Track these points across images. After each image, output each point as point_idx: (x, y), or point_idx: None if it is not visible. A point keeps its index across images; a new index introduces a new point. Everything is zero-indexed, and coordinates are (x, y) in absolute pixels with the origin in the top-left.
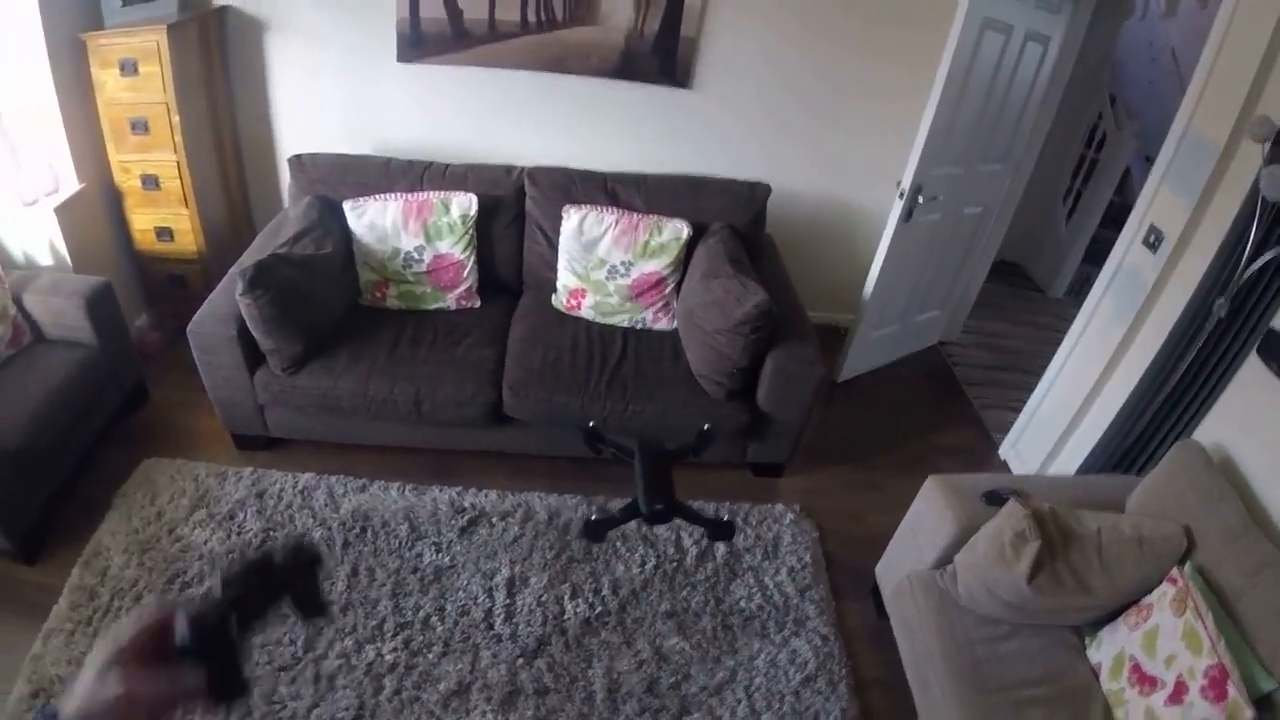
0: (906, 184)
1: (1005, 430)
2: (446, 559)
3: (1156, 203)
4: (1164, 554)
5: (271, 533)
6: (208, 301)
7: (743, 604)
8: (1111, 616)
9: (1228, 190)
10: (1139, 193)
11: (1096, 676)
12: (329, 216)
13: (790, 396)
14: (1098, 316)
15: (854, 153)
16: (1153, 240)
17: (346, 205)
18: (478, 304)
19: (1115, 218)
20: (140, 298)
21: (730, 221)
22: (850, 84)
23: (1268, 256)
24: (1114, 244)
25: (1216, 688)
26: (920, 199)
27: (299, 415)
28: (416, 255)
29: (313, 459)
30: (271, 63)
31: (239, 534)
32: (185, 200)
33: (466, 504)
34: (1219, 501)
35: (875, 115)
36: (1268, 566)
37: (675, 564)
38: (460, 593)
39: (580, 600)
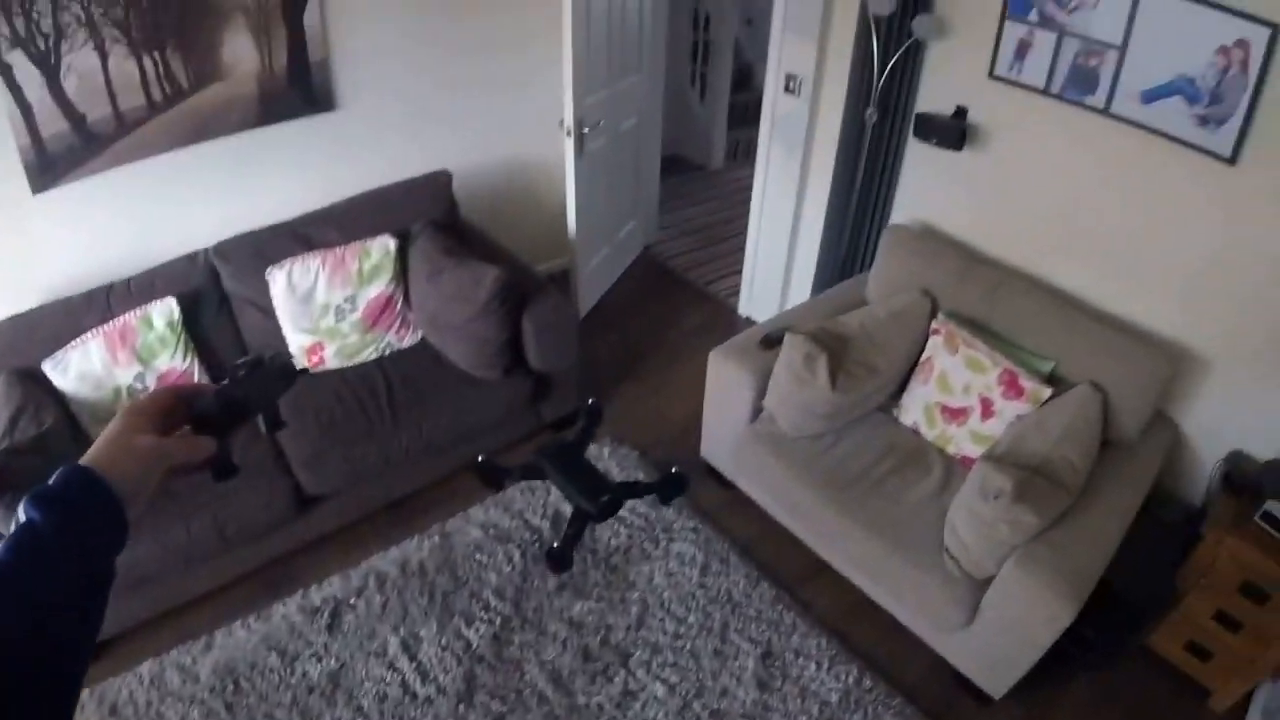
0: (570, 122)
1: (736, 293)
2: (333, 662)
3: (785, 54)
4: (917, 317)
5: None
6: None
7: (613, 542)
8: (904, 385)
9: (841, 21)
10: (749, 52)
11: (918, 433)
12: (34, 387)
13: (558, 347)
14: (772, 164)
15: (511, 112)
16: (793, 86)
17: (46, 366)
18: None
19: (738, 82)
20: None
21: (429, 218)
22: (485, 50)
23: (893, 61)
24: (749, 104)
25: (1012, 388)
26: (585, 130)
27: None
28: (139, 385)
29: (143, 646)
30: None
31: None
32: None
33: (318, 601)
34: (937, 257)
35: (518, 69)
36: (998, 284)
37: (537, 543)
38: (366, 684)
39: (477, 623)
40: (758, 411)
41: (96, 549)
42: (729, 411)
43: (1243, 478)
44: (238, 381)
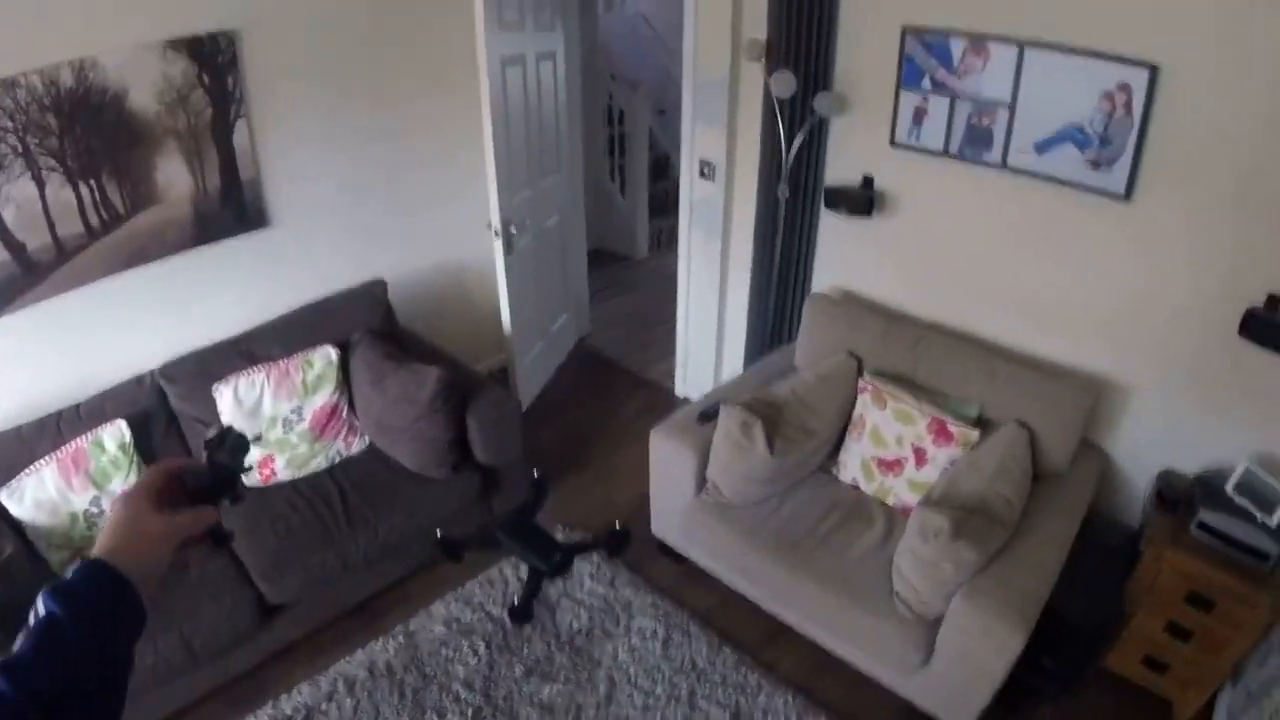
0: (496, 223)
1: (672, 376)
2: None
3: (697, 141)
4: (845, 378)
5: None
6: None
7: (574, 624)
8: (839, 444)
9: (747, 107)
10: (664, 142)
11: (858, 488)
12: None
13: (503, 440)
14: (694, 248)
15: (440, 217)
16: (707, 171)
17: (2, 495)
18: None
19: (656, 172)
20: None
21: (367, 327)
22: (411, 159)
23: (799, 140)
24: (669, 192)
25: (942, 434)
26: (512, 230)
27: None
28: (95, 510)
29: None
30: None
31: None
32: None
33: (289, 710)
34: (859, 320)
35: (444, 176)
36: (919, 340)
37: (501, 633)
38: None
39: (449, 715)
40: (702, 484)
41: (116, 637)
42: (674, 487)
43: (1175, 493)
44: (220, 449)
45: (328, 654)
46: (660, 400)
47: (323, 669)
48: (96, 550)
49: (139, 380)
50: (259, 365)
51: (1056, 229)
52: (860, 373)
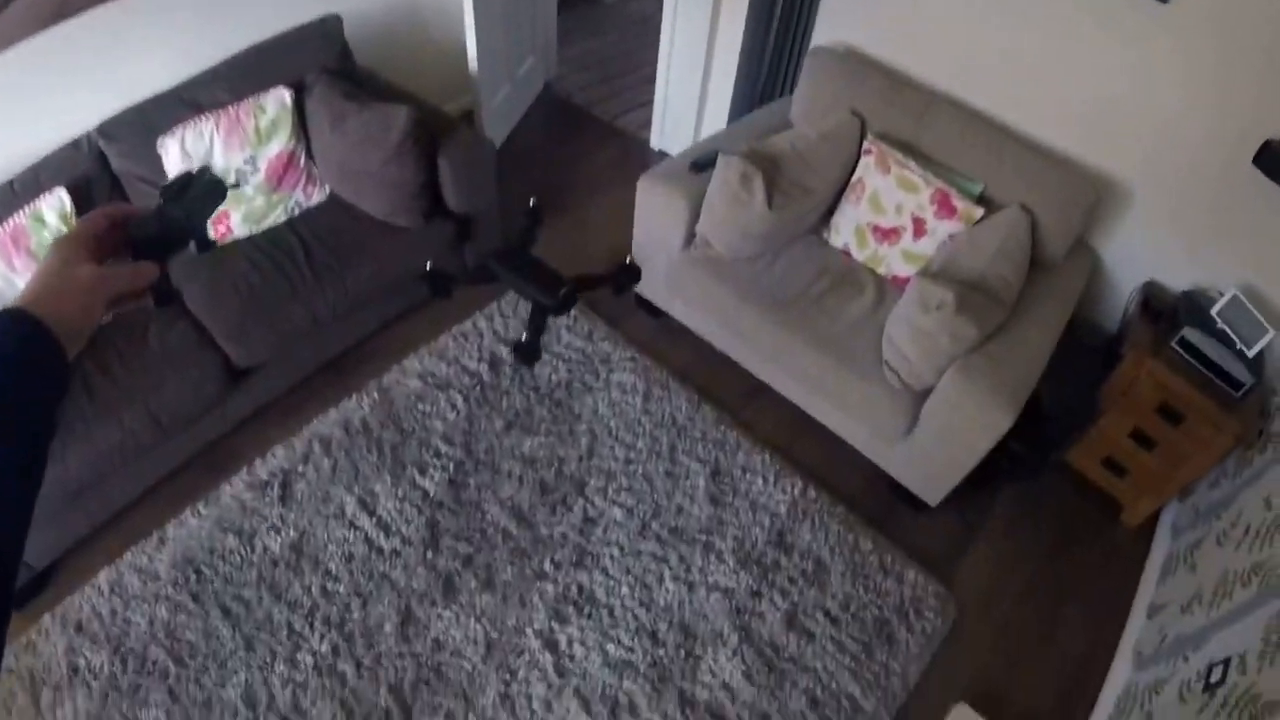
0: None
1: (646, 127)
2: (291, 532)
3: None
4: (847, 137)
5: (122, 646)
6: None
7: (553, 378)
8: (832, 207)
9: None
10: None
11: (849, 255)
12: None
13: (476, 184)
14: None
15: None
16: None
17: None
18: None
19: None
20: None
21: (323, 66)
22: None
23: None
24: None
25: (945, 207)
26: None
27: (49, 527)
28: None
29: (95, 557)
30: None
31: (95, 676)
32: None
33: (265, 475)
34: (865, 77)
35: None
36: (926, 107)
37: (478, 387)
38: (330, 546)
39: (431, 470)
40: (690, 238)
41: (34, 389)
42: (661, 239)
43: (1160, 305)
44: (174, 200)
45: (300, 414)
46: (634, 151)
47: (297, 430)
48: (20, 299)
49: (75, 144)
50: (206, 114)
51: (1088, 17)
52: (863, 135)
